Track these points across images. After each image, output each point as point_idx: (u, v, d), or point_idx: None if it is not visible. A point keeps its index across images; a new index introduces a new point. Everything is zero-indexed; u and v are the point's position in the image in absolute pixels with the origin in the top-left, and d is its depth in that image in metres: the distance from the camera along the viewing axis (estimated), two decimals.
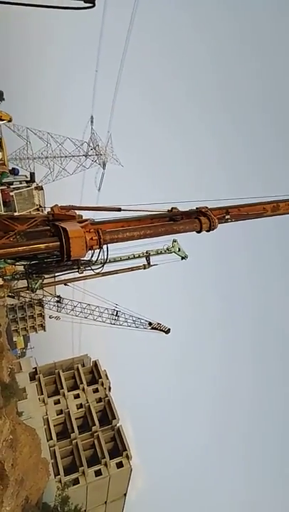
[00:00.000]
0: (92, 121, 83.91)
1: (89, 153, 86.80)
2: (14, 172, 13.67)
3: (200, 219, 13.26)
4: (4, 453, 21.57)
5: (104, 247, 12.79)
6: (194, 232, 13.86)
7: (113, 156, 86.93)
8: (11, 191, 12.55)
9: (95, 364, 59.46)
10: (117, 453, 46.51)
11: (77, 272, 14.18)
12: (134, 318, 38.14)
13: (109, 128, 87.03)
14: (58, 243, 11.26)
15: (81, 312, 38.28)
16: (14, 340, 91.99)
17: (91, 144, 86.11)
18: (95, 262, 14.35)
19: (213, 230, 13.57)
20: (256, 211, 14.36)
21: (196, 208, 14.20)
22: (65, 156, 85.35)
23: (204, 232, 13.58)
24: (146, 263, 37.90)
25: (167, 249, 38.72)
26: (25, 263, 13.01)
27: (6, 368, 37.45)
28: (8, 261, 13.80)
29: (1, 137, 20.52)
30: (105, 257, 16.66)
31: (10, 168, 14.23)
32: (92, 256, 13.67)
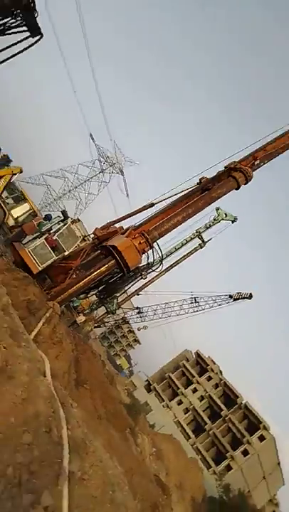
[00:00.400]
0: (92, 138, 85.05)
1: (104, 168, 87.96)
2: (48, 218, 14.31)
3: (233, 175, 12.94)
4: (155, 466, 22.58)
5: (155, 244, 13.02)
6: (234, 191, 13.52)
7: (126, 159, 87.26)
8: (53, 236, 13.12)
9: (198, 355, 59.91)
10: (254, 428, 46.25)
11: (142, 278, 14.45)
12: (213, 298, 37.72)
13: (111, 136, 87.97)
14: (114, 260, 11.66)
15: (163, 313, 38.74)
16: (118, 363, 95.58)
17: (102, 159, 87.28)
18: (154, 262, 14.62)
19: (250, 180, 13.13)
20: (282, 143, 13.67)
21: (225, 167, 13.86)
22: (85, 181, 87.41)
23: (243, 186, 13.19)
24: (200, 242, 37.54)
25: (214, 219, 37.98)
26: (95, 291, 13.56)
27: (122, 390, 39.18)
28: (81, 296, 14.48)
29: (21, 190, 21.54)
30: (160, 254, 16.79)
31: (43, 216, 14.93)
32: (148, 258, 13.93)
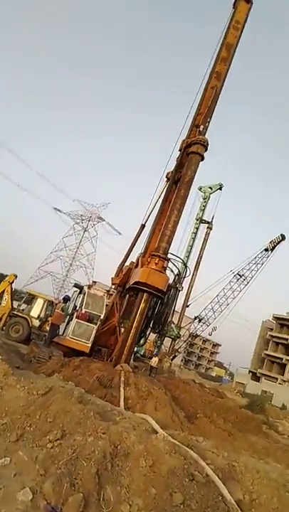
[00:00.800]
0: (58, 210, 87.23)
1: (85, 226, 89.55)
2: (67, 299, 14.43)
3: (191, 151, 12.98)
4: None
5: (170, 255, 12.92)
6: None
7: (96, 206, 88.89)
8: (81, 310, 13.17)
9: (277, 318, 58.31)
10: None
11: (179, 290, 14.24)
12: (252, 262, 37.15)
13: (73, 196, 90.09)
14: (145, 293, 11.55)
15: (220, 305, 38.17)
16: (214, 375, 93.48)
17: (78, 220, 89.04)
18: (179, 269, 14.47)
19: (207, 145, 13.11)
20: (208, 98, 13.80)
21: (180, 150, 13.93)
22: (77, 248, 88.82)
23: (205, 154, 13.18)
24: (208, 227, 37.47)
25: (203, 199, 37.92)
26: (149, 330, 13.39)
27: (235, 395, 38.07)
28: (140, 343, 14.32)
29: (26, 291, 21.80)
30: (181, 259, 16.61)
31: (61, 300, 15.07)
32: (174, 273, 13.81)
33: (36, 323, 18.96)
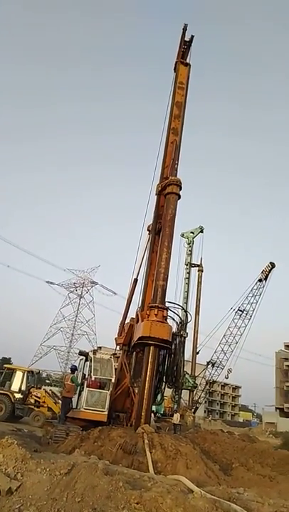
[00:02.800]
0: (50, 282, 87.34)
1: (80, 293, 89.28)
2: (74, 368, 14.03)
3: (167, 193, 13.61)
4: None
5: (168, 303, 12.91)
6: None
7: (88, 271, 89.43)
8: (91, 378, 12.78)
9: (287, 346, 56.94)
10: None
11: (185, 337, 14.04)
12: (250, 295, 37.08)
13: (64, 267, 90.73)
14: (151, 347, 11.35)
15: (230, 345, 37.32)
16: (241, 420, 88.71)
17: (71, 289, 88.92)
18: (181, 321, 14.39)
19: (181, 184, 13.75)
20: (170, 144, 14.77)
21: (156, 195, 14.59)
22: (76, 316, 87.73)
23: (180, 193, 13.75)
24: (198, 270, 37.89)
25: (188, 244, 38.62)
26: (163, 385, 12.94)
27: (267, 437, 35.97)
28: (157, 400, 13.74)
29: (5, 367, 21.42)
30: (180, 306, 16.53)
31: (68, 371, 14.66)
32: (176, 321, 13.72)
33: (19, 396, 18.45)
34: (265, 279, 36.83)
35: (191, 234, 38.51)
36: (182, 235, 38.12)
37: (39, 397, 18.81)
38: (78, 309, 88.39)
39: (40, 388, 20.32)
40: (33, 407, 18.59)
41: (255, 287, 37.08)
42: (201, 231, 38.47)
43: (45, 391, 19.68)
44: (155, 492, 4.98)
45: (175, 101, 15.35)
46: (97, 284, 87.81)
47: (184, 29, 16.01)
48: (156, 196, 14.60)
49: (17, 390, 18.58)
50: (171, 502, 4.68)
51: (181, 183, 13.47)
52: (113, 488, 4.72)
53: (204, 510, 4.71)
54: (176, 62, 16.11)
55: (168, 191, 13.39)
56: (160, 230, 13.70)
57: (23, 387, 18.78)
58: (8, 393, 18.10)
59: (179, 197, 13.48)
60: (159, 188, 14.24)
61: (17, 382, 18.96)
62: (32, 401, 18.74)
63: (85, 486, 4.65)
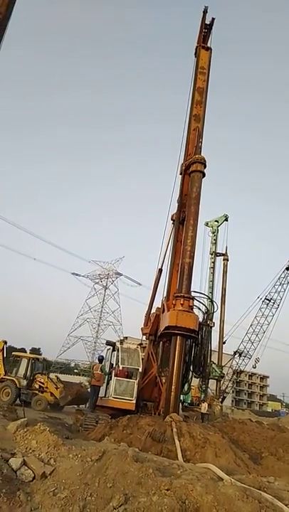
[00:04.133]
0: (76, 274, 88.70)
1: (105, 284, 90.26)
2: (101, 358, 14.27)
3: (191, 171, 13.48)
4: None
5: (193, 293, 12.84)
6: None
7: (112, 263, 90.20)
8: (119, 367, 12.95)
9: None
10: None
11: (211, 326, 13.94)
12: (278, 283, 36.36)
13: (89, 258, 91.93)
14: (178, 336, 11.35)
15: (257, 334, 36.84)
16: (270, 410, 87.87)
17: (97, 280, 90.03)
18: (207, 306, 14.28)
19: (205, 162, 13.60)
20: (193, 117, 14.50)
21: (180, 173, 14.49)
22: (102, 307, 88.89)
23: (204, 171, 13.57)
24: (224, 258, 37.45)
25: (212, 233, 38.20)
26: (190, 375, 12.95)
27: None
28: (185, 390, 13.80)
29: (13, 355, 22.45)
30: (206, 295, 16.42)
31: (96, 361, 14.91)
32: (203, 311, 13.65)
33: (24, 382, 19.51)
34: None
35: (216, 223, 38.02)
36: (206, 224, 37.71)
37: (43, 383, 19.88)
38: (104, 300, 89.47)
39: (45, 375, 21.26)
40: (37, 392, 19.65)
41: (282, 275, 36.31)
42: (226, 219, 37.91)
43: (48, 377, 20.68)
44: (185, 479, 5.01)
45: (197, 86, 15.06)
46: (121, 275, 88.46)
47: (205, 12, 15.63)
48: (180, 176, 14.59)
49: (22, 376, 19.88)
50: (201, 489, 4.70)
51: (205, 160, 13.39)
52: (143, 474, 4.78)
53: (235, 498, 4.70)
54: (197, 46, 15.76)
55: (192, 169, 13.33)
56: (184, 219, 13.59)
57: (28, 374, 19.99)
58: (14, 379, 19.43)
59: (204, 175, 13.41)
60: (183, 167, 14.24)
61: (22, 369, 20.22)
62: (36, 386, 19.86)
63: (115, 472, 4.74)
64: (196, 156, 13.45)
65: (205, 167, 13.35)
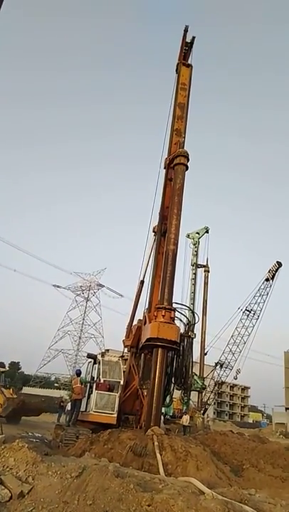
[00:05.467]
0: (57, 286, 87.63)
1: (86, 296, 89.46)
2: (78, 373, 14.09)
3: (176, 163, 13.75)
4: None
5: (175, 305, 12.89)
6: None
7: (94, 274, 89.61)
8: (99, 381, 12.79)
9: None
10: None
11: (192, 338, 14.00)
12: (257, 295, 36.89)
13: (71, 270, 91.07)
14: (160, 348, 11.34)
15: (238, 346, 37.13)
16: (251, 420, 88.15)
17: (78, 292, 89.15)
18: (188, 322, 14.36)
19: (188, 156, 13.85)
20: (176, 113, 14.78)
21: (165, 167, 14.75)
22: (83, 319, 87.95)
23: (188, 164, 13.80)
24: (205, 269, 37.79)
25: (194, 244, 38.60)
26: (172, 387, 12.90)
27: (277, 438, 35.68)
28: (166, 402, 13.71)
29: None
30: (187, 306, 16.47)
31: (75, 375, 14.63)
32: (184, 323, 13.71)
33: None
34: (272, 278, 36.60)
35: (197, 234, 38.46)
36: (188, 236, 38.08)
37: None
38: (85, 312, 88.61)
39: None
40: None
41: (262, 287, 36.88)
42: (207, 231, 38.40)
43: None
44: (166, 494, 4.96)
45: (177, 102, 15.38)
46: (103, 286, 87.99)
47: (185, 30, 16.06)
48: (164, 171, 14.87)
49: None
50: (182, 504, 4.66)
51: (188, 154, 13.73)
52: (124, 490, 4.72)
53: None
54: (178, 63, 16.14)
55: (176, 162, 13.66)
56: (166, 231, 13.71)
57: None
58: None
59: (187, 168, 13.73)
60: (167, 162, 14.53)
61: None
62: None
63: (96, 489, 4.66)
64: (180, 149, 13.87)
65: (188, 160, 13.75)
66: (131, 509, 4.41)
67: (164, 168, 14.90)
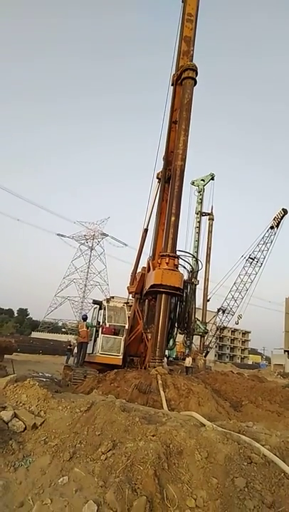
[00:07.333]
0: (61, 235, 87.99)
1: (90, 245, 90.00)
2: (85, 318, 14.53)
3: (184, 77, 13.29)
4: None
5: (179, 252, 12.95)
6: None
7: (97, 223, 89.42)
8: (104, 325, 13.21)
9: None
10: None
11: (196, 285, 14.21)
12: (261, 242, 36.91)
13: (74, 219, 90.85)
14: (163, 294, 11.58)
15: (240, 292, 37.88)
16: (251, 362, 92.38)
17: (82, 241, 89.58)
18: (192, 265, 14.47)
19: (197, 69, 13.25)
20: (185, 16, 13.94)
21: (172, 83, 14.33)
22: (88, 267, 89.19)
23: (196, 78, 13.18)
24: (210, 217, 37.46)
25: (199, 192, 37.94)
26: (175, 331, 13.35)
27: (275, 377, 37.61)
28: (170, 345, 14.29)
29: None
30: (191, 254, 16.59)
31: (82, 320, 15.11)
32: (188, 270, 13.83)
33: None
34: (277, 226, 36.36)
35: (202, 182, 37.68)
36: (192, 183, 37.36)
37: None
38: (90, 261, 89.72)
39: None
40: None
41: (266, 234, 36.80)
42: (212, 178, 37.57)
43: None
44: (169, 426, 5.31)
45: (183, 36, 14.20)
46: (107, 235, 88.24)
47: None
48: (171, 87, 14.47)
49: None
50: (184, 434, 5.00)
51: (196, 67, 13.33)
52: (130, 422, 5.04)
53: (216, 441, 5.02)
54: None
55: (184, 76, 13.30)
56: (170, 177, 13.39)
57: None
58: None
59: (195, 82, 13.37)
60: (175, 78, 14.09)
61: None
62: None
63: (103, 422, 4.98)
64: (188, 63, 13.46)
65: (196, 74, 13.35)
66: (137, 439, 4.73)
67: (172, 84, 14.43)
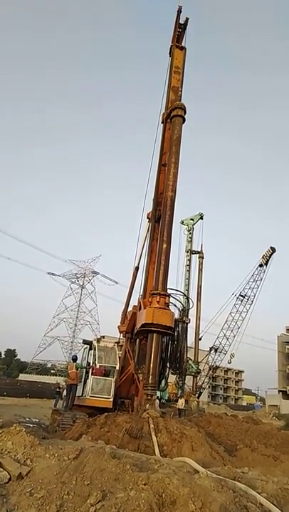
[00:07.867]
0: (52, 274, 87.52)
1: (81, 284, 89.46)
2: (74, 359, 14.20)
3: (173, 115, 14.04)
4: None
5: (170, 291, 12.97)
6: None
7: (88, 261, 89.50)
8: (95, 366, 12.91)
9: None
10: None
11: (187, 323, 14.14)
12: (251, 280, 37.17)
13: (65, 258, 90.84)
14: (155, 334, 11.45)
15: (232, 330, 37.58)
16: (245, 404, 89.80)
17: (73, 279, 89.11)
18: (183, 303, 14.48)
19: (185, 108, 14.08)
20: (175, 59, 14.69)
21: (162, 122, 15.06)
22: (79, 307, 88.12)
23: (184, 116, 14.04)
24: (199, 256, 37.90)
25: (188, 231, 38.59)
26: (167, 371, 13.08)
27: (271, 419, 36.53)
28: (162, 387, 13.94)
29: None
30: (182, 292, 16.60)
31: (71, 360, 14.76)
32: (179, 309, 13.82)
33: None
34: (266, 263, 36.86)
35: (191, 221, 38.43)
36: (182, 222, 38.05)
37: None
38: (80, 299, 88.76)
39: None
40: None
41: (256, 272, 37.17)
42: (201, 218, 38.38)
43: None
44: (162, 473, 5.09)
45: (171, 86, 15.16)
46: (98, 273, 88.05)
47: (179, 11, 15.72)
48: (162, 125, 15.26)
49: None
50: (177, 482, 4.79)
51: (185, 106, 14.14)
52: (121, 470, 4.83)
53: (210, 489, 4.82)
54: (172, 46, 15.85)
55: (173, 114, 14.07)
56: (160, 217, 13.70)
57: None
58: None
59: (184, 120, 14.14)
60: (165, 116, 14.87)
61: None
62: None
63: (93, 470, 4.76)
64: (177, 102, 14.35)
65: (185, 113, 14.18)
66: (127, 488, 4.51)
67: (162, 122, 15.26)
